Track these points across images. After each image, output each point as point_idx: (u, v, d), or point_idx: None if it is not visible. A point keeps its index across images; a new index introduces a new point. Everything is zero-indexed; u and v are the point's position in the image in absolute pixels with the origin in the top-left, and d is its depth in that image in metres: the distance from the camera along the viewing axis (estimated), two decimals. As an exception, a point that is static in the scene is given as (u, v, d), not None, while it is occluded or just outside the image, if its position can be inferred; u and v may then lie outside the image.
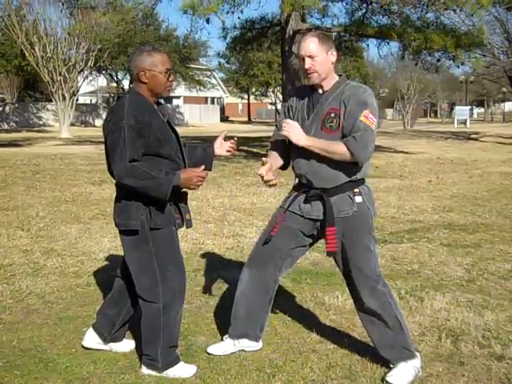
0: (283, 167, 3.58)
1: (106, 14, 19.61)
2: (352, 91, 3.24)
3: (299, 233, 3.42)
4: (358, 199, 3.27)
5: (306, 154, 3.27)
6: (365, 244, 3.31)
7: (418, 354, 3.36)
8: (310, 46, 3.23)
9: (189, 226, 3.37)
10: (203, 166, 3.23)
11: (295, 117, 3.39)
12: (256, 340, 3.62)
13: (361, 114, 3.16)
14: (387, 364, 3.35)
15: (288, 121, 3.28)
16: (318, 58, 3.22)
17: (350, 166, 3.23)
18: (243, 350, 3.61)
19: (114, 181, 3.18)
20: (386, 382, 3.22)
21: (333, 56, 3.27)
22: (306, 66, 3.24)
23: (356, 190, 3.28)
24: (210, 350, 3.62)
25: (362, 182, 3.33)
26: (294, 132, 3.22)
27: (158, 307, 3.25)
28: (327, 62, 3.25)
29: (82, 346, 3.66)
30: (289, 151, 3.44)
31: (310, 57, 3.23)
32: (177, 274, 3.29)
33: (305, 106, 3.38)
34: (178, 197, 3.26)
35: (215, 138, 3.62)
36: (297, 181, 3.47)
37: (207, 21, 16.80)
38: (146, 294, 3.27)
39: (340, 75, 3.35)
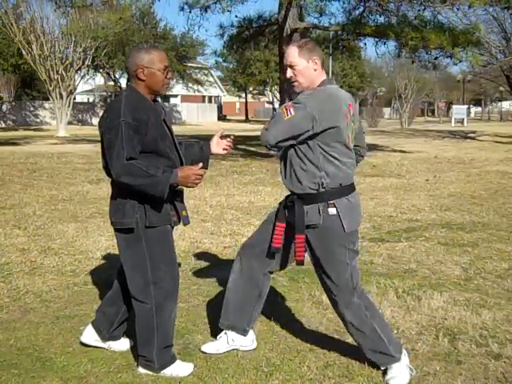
0: None
1: (104, 13, 19.61)
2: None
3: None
4: (332, 211, 3.21)
5: (283, 159, 3.34)
6: (336, 257, 3.26)
7: (404, 354, 3.34)
8: (290, 55, 3.26)
9: (186, 222, 3.35)
10: (201, 164, 3.21)
11: None
12: (243, 334, 3.61)
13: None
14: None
15: None
16: (297, 67, 3.25)
17: (313, 172, 3.21)
18: (237, 349, 3.62)
19: (110, 179, 3.17)
20: None
21: (314, 64, 3.26)
22: (287, 76, 3.29)
23: (330, 202, 3.22)
24: (204, 348, 3.63)
25: (340, 193, 3.24)
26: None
27: (150, 307, 3.24)
28: (308, 71, 3.26)
29: (80, 342, 3.66)
30: None
31: (290, 66, 3.27)
32: (169, 274, 3.27)
33: None
34: (174, 194, 3.25)
35: (213, 136, 3.62)
36: None
37: (205, 9, 16.76)
38: (138, 294, 3.26)
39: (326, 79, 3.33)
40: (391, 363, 3.28)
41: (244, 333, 3.62)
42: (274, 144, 3.20)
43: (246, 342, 3.64)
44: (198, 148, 3.57)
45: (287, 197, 3.40)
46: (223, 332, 3.65)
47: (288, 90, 18.01)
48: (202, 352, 3.59)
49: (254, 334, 3.72)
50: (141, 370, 3.35)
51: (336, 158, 3.22)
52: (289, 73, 3.29)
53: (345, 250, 3.26)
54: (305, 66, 3.25)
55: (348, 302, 3.29)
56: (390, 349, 3.28)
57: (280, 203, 3.50)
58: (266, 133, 3.19)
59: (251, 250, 3.55)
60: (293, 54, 3.25)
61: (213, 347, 3.62)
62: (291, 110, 3.14)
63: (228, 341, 3.61)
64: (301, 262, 3.32)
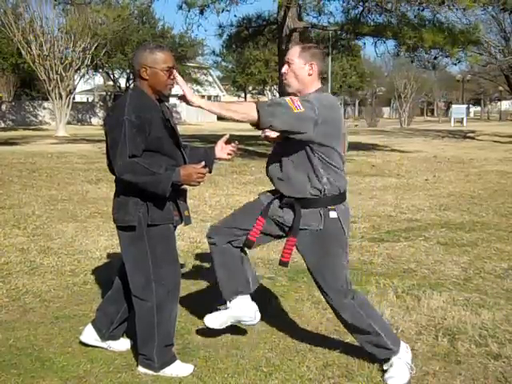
0: None
1: (102, 10, 19.59)
2: None
3: (270, 221, 3.36)
4: (333, 214, 3.22)
5: (275, 159, 3.30)
6: (336, 259, 3.29)
7: (402, 346, 3.34)
8: (291, 53, 3.26)
9: (188, 222, 3.36)
10: (203, 163, 3.22)
11: None
12: (249, 291, 3.48)
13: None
14: (384, 362, 3.34)
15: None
16: (293, 65, 3.24)
17: (316, 179, 3.19)
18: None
19: (113, 177, 3.18)
20: None
21: (311, 68, 3.23)
22: (282, 70, 3.30)
23: (331, 207, 3.23)
24: (208, 322, 3.50)
25: (338, 200, 3.27)
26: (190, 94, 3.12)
27: (151, 305, 3.24)
28: (303, 73, 3.24)
29: (80, 342, 3.66)
30: None
31: (287, 62, 3.26)
32: (171, 272, 3.28)
33: None
34: (178, 194, 3.26)
35: (212, 136, 3.62)
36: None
37: (201, 12, 16.77)
38: (139, 292, 3.26)
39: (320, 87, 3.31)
40: (390, 356, 3.28)
41: (249, 289, 3.49)
42: (277, 131, 3.16)
43: (250, 312, 3.48)
44: (202, 151, 3.59)
45: (281, 196, 3.32)
46: (226, 304, 3.50)
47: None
48: (206, 326, 3.51)
49: (257, 307, 3.55)
50: (140, 369, 3.35)
51: (335, 166, 3.22)
52: (284, 68, 3.29)
53: (343, 252, 3.31)
54: (300, 67, 3.23)
55: (341, 303, 3.30)
56: (388, 343, 3.30)
57: (261, 195, 3.47)
58: (272, 119, 3.05)
59: (225, 234, 3.42)
60: (294, 52, 3.26)
61: (216, 322, 3.49)
62: (300, 105, 3.05)
63: (231, 312, 3.47)
64: (285, 264, 3.32)
